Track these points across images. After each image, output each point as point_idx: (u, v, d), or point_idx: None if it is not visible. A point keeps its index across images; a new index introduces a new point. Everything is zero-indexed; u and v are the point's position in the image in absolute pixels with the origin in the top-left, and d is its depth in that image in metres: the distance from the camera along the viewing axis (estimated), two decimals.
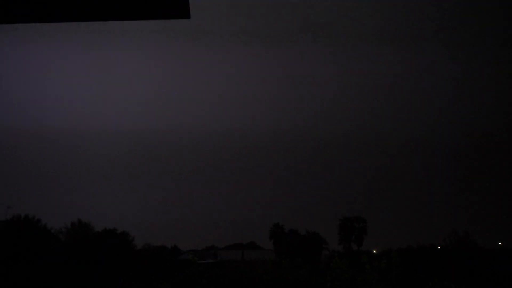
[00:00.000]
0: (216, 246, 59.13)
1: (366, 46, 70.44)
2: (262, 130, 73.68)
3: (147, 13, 3.17)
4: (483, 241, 41.69)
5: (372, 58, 73.80)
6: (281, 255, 42.11)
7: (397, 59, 71.20)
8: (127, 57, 77.98)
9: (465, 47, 72.39)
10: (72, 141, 70.01)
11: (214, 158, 77.97)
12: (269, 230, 55.27)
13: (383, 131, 72.06)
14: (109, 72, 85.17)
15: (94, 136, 70.80)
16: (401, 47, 67.47)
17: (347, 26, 75.48)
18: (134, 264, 32.38)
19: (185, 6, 3.06)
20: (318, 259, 44.10)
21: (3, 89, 69.29)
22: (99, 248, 31.95)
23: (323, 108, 79.31)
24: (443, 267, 28.37)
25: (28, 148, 69.04)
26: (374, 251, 36.36)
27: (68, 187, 61.15)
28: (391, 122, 73.60)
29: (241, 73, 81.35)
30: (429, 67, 75.42)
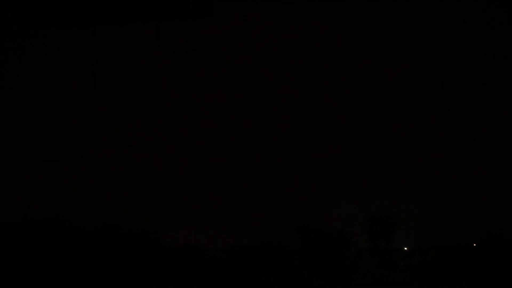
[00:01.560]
0: (242, 243, 59.05)
1: None
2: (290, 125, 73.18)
3: (172, 15, 3.06)
4: None
5: None
6: (307, 252, 41.62)
7: None
8: None
9: None
10: None
11: (235, 150, 78.24)
12: (295, 227, 54.75)
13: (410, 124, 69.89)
14: None
15: None
16: None
17: None
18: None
19: (208, 6, 3.00)
20: (345, 257, 43.32)
21: None
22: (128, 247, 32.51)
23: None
24: (479, 265, 27.21)
25: None
26: (405, 248, 35.27)
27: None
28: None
29: None
30: None
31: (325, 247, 44.42)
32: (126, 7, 3.15)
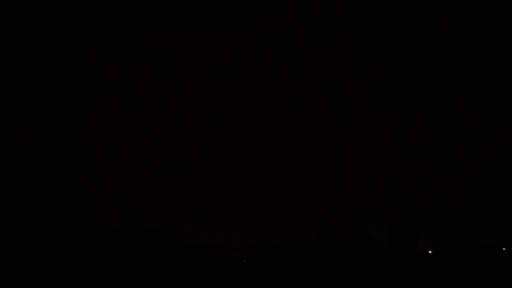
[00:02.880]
0: (262, 245, 58.87)
1: None
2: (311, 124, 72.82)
3: (198, 17, 3.11)
4: None
5: None
6: (328, 254, 41.13)
7: None
8: None
9: None
10: None
11: (260, 153, 78.20)
12: (316, 229, 54.21)
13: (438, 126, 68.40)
14: None
15: None
16: None
17: None
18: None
19: (234, 6, 3.03)
20: (368, 259, 42.59)
21: None
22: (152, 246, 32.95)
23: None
24: (509, 270, 26.14)
25: None
26: (430, 251, 34.28)
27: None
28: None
29: None
30: None
31: (347, 249, 43.78)
32: (151, 11, 3.18)
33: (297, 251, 46.20)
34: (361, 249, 45.42)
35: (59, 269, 28.58)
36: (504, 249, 32.95)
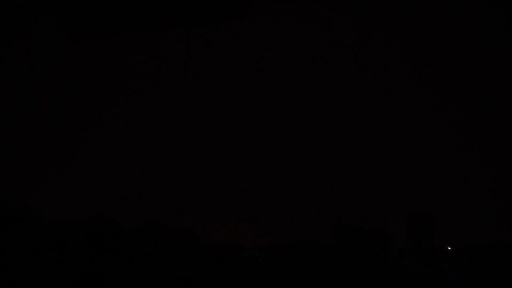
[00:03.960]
0: (279, 243, 58.92)
1: None
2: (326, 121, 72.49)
3: (211, 17, 3.10)
4: None
5: None
6: (345, 251, 40.91)
7: None
8: None
9: None
10: None
11: (272, 151, 78.17)
12: (332, 226, 53.95)
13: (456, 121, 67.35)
14: None
15: None
16: None
17: None
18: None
19: (245, 6, 2.97)
20: (385, 257, 42.23)
21: None
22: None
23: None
24: None
25: None
26: (449, 248, 33.72)
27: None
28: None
29: None
30: None
31: (364, 247, 43.50)
32: (160, 13, 3.18)
33: (313, 249, 46.10)
34: (378, 246, 45.06)
35: (79, 269, 29.17)
36: None
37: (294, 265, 38.33)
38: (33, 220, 33.36)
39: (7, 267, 27.03)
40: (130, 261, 32.12)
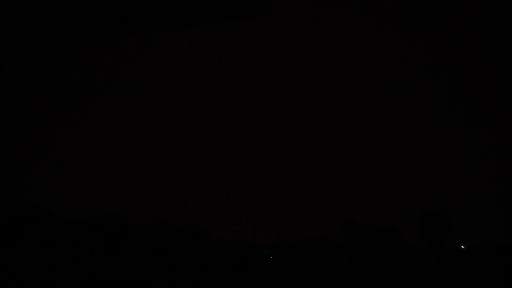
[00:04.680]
0: (289, 241, 58.83)
1: None
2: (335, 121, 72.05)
3: (224, 14, 3.05)
4: None
5: None
6: (355, 250, 40.65)
7: None
8: None
9: None
10: None
11: (285, 150, 78.01)
12: (342, 224, 53.63)
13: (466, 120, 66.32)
14: None
15: None
16: None
17: None
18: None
19: (259, 4, 2.96)
20: (396, 255, 41.85)
21: None
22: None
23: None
24: None
25: None
26: (462, 247, 33.24)
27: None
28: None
29: None
30: None
31: (374, 245, 43.13)
32: (174, 11, 3.13)
33: (323, 247, 45.91)
34: (389, 245, 44.65)
35: (95, 267, 29.49)
36: None
37: (304, 263, 38.22)
38: (45, 219, 33.84)
39: (21, 266, 27.43)
40: (140, 259, 32.36)
